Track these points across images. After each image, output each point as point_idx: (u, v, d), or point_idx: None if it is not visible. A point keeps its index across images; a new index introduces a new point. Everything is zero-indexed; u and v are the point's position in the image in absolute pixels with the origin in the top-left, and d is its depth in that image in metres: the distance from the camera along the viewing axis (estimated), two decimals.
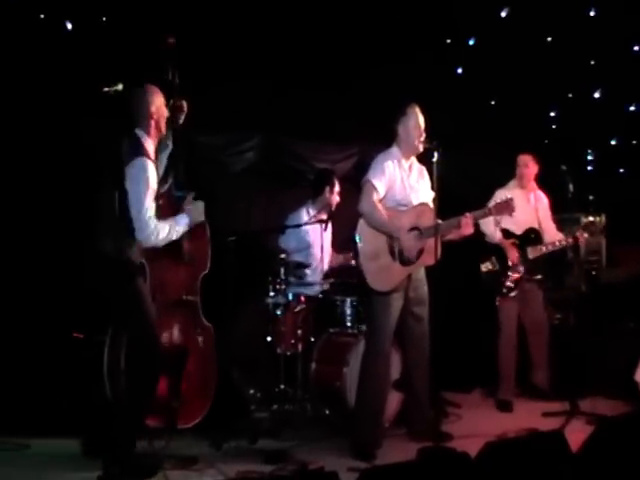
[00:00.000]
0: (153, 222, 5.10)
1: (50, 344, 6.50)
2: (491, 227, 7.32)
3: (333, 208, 7.45)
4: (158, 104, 5.36)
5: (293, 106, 8.11)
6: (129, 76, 5.46)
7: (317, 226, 7.30)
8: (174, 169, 5.59)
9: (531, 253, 7.40)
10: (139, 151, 5.19)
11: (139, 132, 5.31)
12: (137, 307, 5.20)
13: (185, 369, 5.46)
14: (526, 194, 7.59)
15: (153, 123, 5.33)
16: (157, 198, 5.29)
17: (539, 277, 7.52)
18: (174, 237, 5.27)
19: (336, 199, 7.49)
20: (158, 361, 5.22)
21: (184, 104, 5.63)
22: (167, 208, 5.42)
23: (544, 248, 7.40)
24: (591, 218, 7.38)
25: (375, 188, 5.89)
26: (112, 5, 7.05)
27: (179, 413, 5.38)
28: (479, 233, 7.22)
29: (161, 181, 5.48)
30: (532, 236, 7.46)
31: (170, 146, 5.63)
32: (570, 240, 7.36)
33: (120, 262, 5.17)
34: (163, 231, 5.15)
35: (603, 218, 8.61)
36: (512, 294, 7.43)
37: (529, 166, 7.59)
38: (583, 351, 7.43)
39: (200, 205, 5.41)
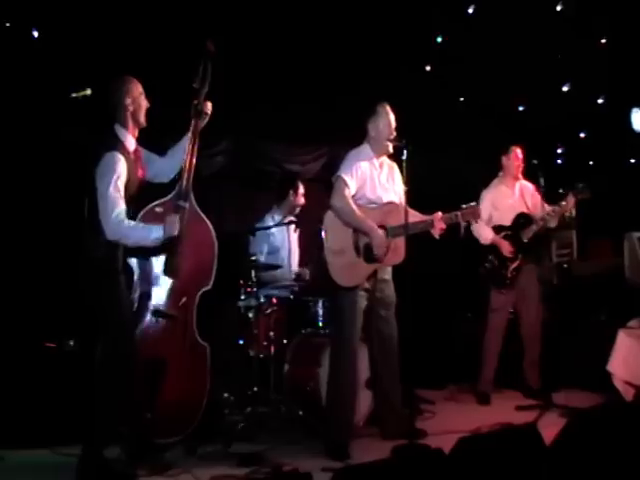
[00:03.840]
0: (120, 218, 5.05)
1: (21, 354, 6.46)
2: (481, 229, 7.45)
3: (298, 210, 7.48)
4: (134, 95, 5.30)
5: (261, 108, 8.09)
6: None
7: (283, 229, 7.35)
8: (180, 178, 5.51)
9: (525, 236, 7.44)
10: (111, 145, 5.16)
11: (117, 127, 5.28)
12: (111, 306, 5.18)
13: (163, 382, 5.37)
14: (511, 188, 7.68)
15: (129, 115, 5.28)
16: (158, 205, 5.43)
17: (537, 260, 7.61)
18: (147, 244, 5.21)
19: (301, 201, 7.52)
20: (130, 364, 5.18)
21: (208, 107, 5.66)
22: (161, 217, 5.35)
23: (534, 227, 7.41)
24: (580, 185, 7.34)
25: (346, 183, 5.89)
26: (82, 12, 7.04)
27: (155, 426, 5.33)
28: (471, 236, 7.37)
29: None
30: (522, 221, 7.50)
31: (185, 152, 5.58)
32: (558, 209, 7.33)
33: (94, 260, 5.15)
34: (133, 231, 5.12)
35: (574, 211, 8.66)
36: (514, 283, 7.49)
37: (519, 158, 7.66)
38: (555, 344, 7.46)
39: (174, 218, 5.26)
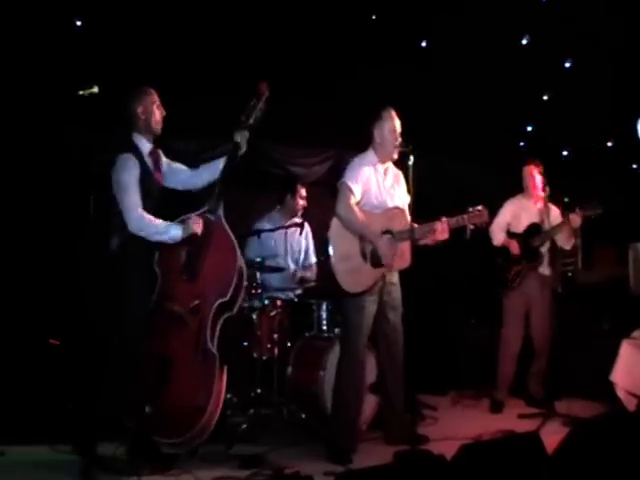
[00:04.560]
0: (139, 213, 5.30)
1: (23, 351, 6.47)
2: (496, 231, 7.57)
3: (299, 213, 7.52)
4: (146, 104, 5.49)
5: (267, 110, 8.07)
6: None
7: (282, 232, 7.39)
8: (210, 195, 5.62)
9: (534, 242, 7.46)
10: (126, 148, 5.39)
11: (134, 134, 5.50)
12: (125, 304, 5.31)
13: (166, 380, 5.39)
14: (533, 203, 7.64)
15: (141, 122, 5.49)
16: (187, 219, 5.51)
17: (546, 271, 7.59)
18: (165, 240, 5.42)
19: (300, 203, 7.57)
20: (140, 363, 5.27)
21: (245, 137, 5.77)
22: None
23: (543, 235, 7.41)
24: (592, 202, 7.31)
25: (351, 190, 5.87)
26: (89, 10, 7.05)
27: (153, 421, 5.33)
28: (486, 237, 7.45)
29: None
30: (533, 230, 7.50)
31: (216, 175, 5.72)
32: (566, 221, 7.28)
33: (108, 257, 5.28)
34: (152, 226, 5.35)
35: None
36: (518, 287, 7.50)
37: (533, 175, 7.63)
38: (559, 352, 7.44)
39: (196, 219, 5.46)
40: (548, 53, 8.59)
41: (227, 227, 5.61)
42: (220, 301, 5.55)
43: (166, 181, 5.75)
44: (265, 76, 7.78)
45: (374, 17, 8.24)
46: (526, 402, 7.51)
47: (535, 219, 7.52)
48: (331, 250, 5.85)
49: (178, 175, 5.84)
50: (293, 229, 7.49)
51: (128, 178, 5.31)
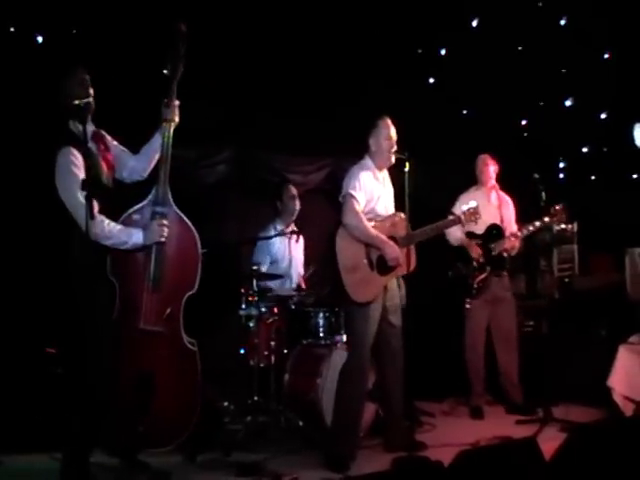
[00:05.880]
0: (100, 218, 4.89)
1: (22, 359, 6.45)
2: (455, 232, 7.43)
3: (294, 214, 7.50)
4: (73, 85, 5.08)
5: (265, 118, 8.09)
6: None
7: (284, 240, 7.40)
8: (156, 182, 5.29)
9: (494, 249, 7.44)
10: (63, 139, 4.99)
11: (70, 122, 5.12)
12: (85, 317, 4.97)
13: (154, 394, 5.18)
14: (487, 193, 7.68)
15: (71, 105, 5.01)
16: (136, 212, 5.21)
17: (505, 273, 7.55)
18: (126, 247, 5.08)
19: (295, 204, 7.57)
20: (106, 377, 5.03)
21: (175, 109, 5.40)
22: (139, 224, 5.20)
23: (504, 241, 7.40)
24: (563, 225, 7.36)
25: (356, 199, 5.86)
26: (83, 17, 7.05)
27: (148, 438, 5.22)
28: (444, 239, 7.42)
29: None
30: (494, 232, 7.48)
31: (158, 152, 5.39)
32: (530, 228, 7.36)
33: (69, 265, 5.04)
34: (113, 232, 5.01)
35: (575, 226, 8.71)
36: (482, 295, 7.47)
37: (487, 164, 7.68)
38: (556, 358, 7.45)
39: (156, 227, 5.13)
40: (544, 61, 8.60)
41: (181, 213, 5.31)
42: (189, 294, 5.35)
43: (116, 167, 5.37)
44: (264, 87, 7.90)
45: (374, 28, 8.24)
46: (506, 410, 7.50)
47: (494, 219, 7.54)
48: (339, 262, 5.83)
49: (127, 166, 5.45)
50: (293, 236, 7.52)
51: (73, 178, 4.82)
